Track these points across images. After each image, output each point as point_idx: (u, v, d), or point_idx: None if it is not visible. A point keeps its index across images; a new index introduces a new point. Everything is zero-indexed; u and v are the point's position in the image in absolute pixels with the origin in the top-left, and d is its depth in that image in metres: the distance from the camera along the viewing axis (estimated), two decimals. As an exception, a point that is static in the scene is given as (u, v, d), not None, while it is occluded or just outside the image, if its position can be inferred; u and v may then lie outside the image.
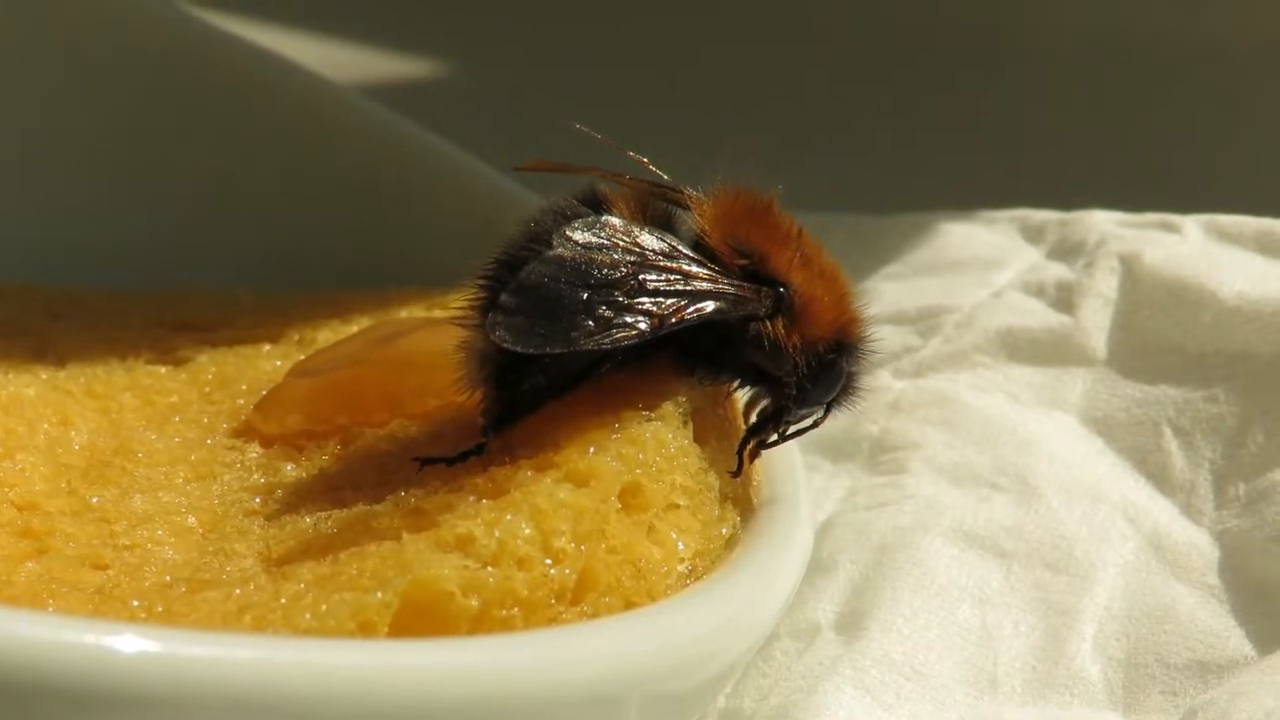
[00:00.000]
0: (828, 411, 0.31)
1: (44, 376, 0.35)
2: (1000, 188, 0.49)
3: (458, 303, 0.29)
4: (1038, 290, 0.42)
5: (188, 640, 0.21)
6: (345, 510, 0.28)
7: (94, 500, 0.30)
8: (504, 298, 0.27)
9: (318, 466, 0.31)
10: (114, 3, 0.44)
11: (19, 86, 0.44)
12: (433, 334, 0.32)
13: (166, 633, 0.21)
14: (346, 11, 0.71)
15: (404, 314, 0.38)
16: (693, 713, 0.29)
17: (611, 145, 0.33)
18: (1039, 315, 0.41)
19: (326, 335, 0.37)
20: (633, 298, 0.28)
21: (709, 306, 0.29)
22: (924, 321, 0.42)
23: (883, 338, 0.33)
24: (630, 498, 0.28)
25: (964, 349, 0.41)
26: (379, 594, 0.24)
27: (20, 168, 0.44)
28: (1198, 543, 0.34)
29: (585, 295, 0.27)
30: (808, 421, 0.31)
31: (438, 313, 0.36)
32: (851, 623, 0.33)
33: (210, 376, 0.35)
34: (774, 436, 0.31)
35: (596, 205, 0.30)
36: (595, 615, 0.27)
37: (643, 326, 0.28)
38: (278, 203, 0.44)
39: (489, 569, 0.25)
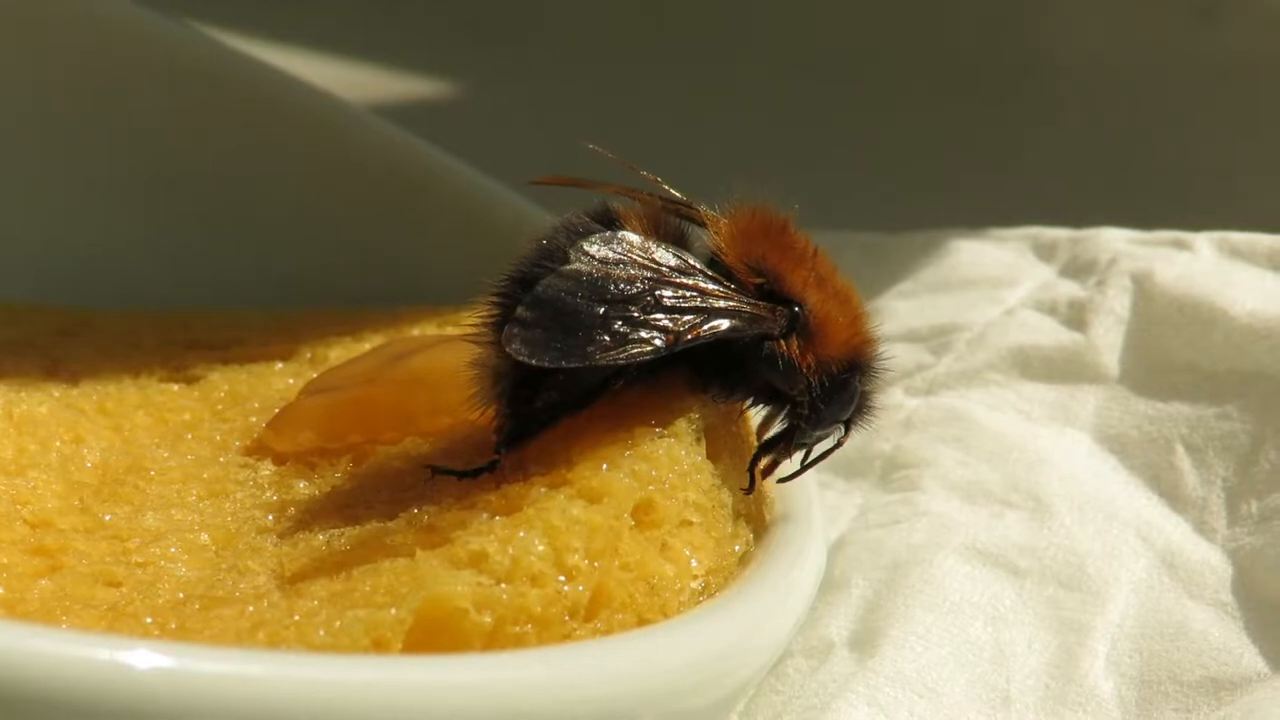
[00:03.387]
0: (848, 431, 0.31)
1: (56, 394, 0.35)
2: (1012, 206, 0.49)
3: (470, 320, 0.29)
4: (1050, 308, 0.42)
5: (201, 656, 0.21)
6: (358, 527, 0.28)
7: (107, 518, 0.30)
8: (520, 311, 0.27)
9: (330, 484, 0.31)
10: (126, 23, 0.44)
11: (30, 107, 0.44)
12: (445, 351, 0.32)
13: (180, 648, 0.21)
14: (358, 31, 0.71)
15: (416, 332, 0.38)
16: (706, 730, 0.29)
17: (625, 164, 0.33)
18: (1051, 333, 0.41)
19: (338, 353, 0.37)
20: (649, 314, 0.28)
21: (724, 324, 0.28)
22: (936, 339, 0.42)
23: (895, 356, 0.33)
24: (643, 514, 0.28)
25: (976, 367, 0.41)
26: (393, 611, 0.24)
27: (30, 188, 0.44)
28: (1210, 560, 0.34)
29: (601, 310, 0.27)
30: (829, 443, 0.31)
31: (450, 330, 0.36)
32: (865, 640, 0.33)
33: (222, 394, 0.35)
34: (794, 464, 0.31)
35: (609, 222, 0.30)
36: (608, 632, 0.27)
37: (658, 343, 0.27)
38: (289, 221, 0.44)
39: (502, 586, 0.25)
